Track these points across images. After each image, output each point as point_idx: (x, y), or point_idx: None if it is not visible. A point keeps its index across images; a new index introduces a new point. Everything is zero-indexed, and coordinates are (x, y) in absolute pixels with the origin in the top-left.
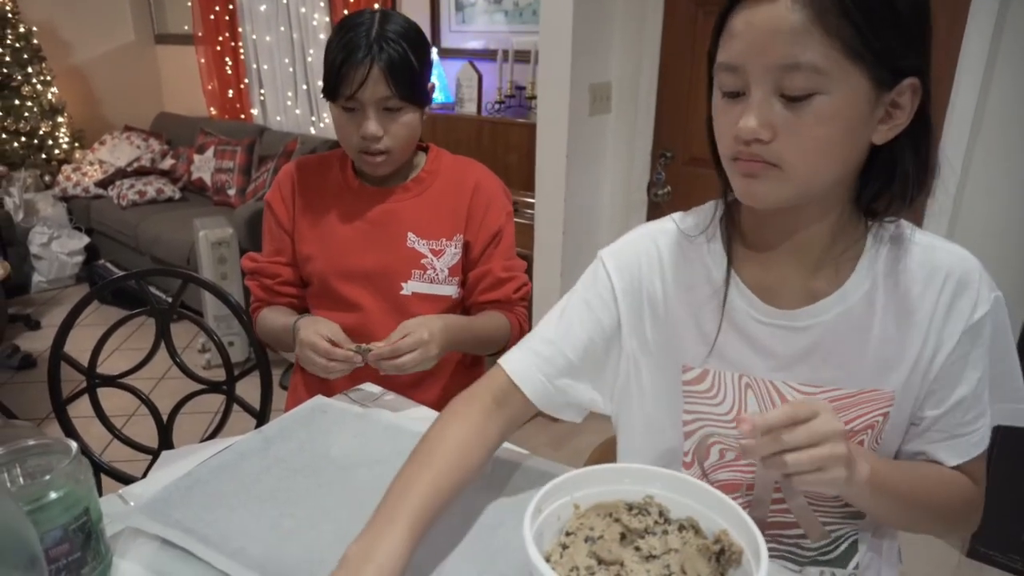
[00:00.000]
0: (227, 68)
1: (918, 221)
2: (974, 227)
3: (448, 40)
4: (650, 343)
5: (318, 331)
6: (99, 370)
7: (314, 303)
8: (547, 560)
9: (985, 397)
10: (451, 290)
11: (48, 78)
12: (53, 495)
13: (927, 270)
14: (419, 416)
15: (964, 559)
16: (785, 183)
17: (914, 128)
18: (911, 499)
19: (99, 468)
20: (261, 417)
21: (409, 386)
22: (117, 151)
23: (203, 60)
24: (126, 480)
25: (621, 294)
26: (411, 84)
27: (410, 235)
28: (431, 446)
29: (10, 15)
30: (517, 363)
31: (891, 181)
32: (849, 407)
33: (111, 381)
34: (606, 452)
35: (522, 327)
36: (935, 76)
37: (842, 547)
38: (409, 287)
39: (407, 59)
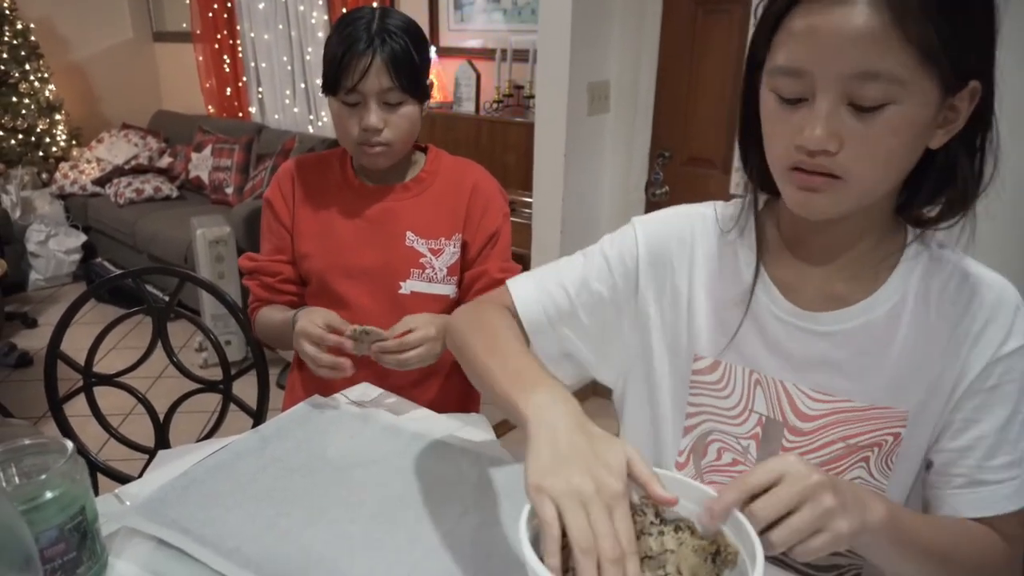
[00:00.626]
0: (225, 66)
1: None
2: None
3: (446, 39)
4: (666, 324)
5: (313, 319)
6: (96, 369)
7: (312, 302)
8: (543, 561)
9: (1021, 446)
10: (449, 289)
11: (46, 75)
12: (49, 495)
13: (960, 292)
14: (417, 417)
15: None
16: (846, 195)
17: (968, 132)
18: (934, 552)
19: (95, 467)
20: (258, 416)
21: (407, 386)
22: (115, 149)
23: (201, 58)
24: (122, 479)
25: (645, 264)
26: (412, 76)
27: (409, 234)
28: (494, 329)
29: (8, 12)
30: (525, 292)
31: (943, 187)
32: (858, 421)
33: (108, 380)
34: None
35: None
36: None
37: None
38: (408, 286)
39: (408, 51)
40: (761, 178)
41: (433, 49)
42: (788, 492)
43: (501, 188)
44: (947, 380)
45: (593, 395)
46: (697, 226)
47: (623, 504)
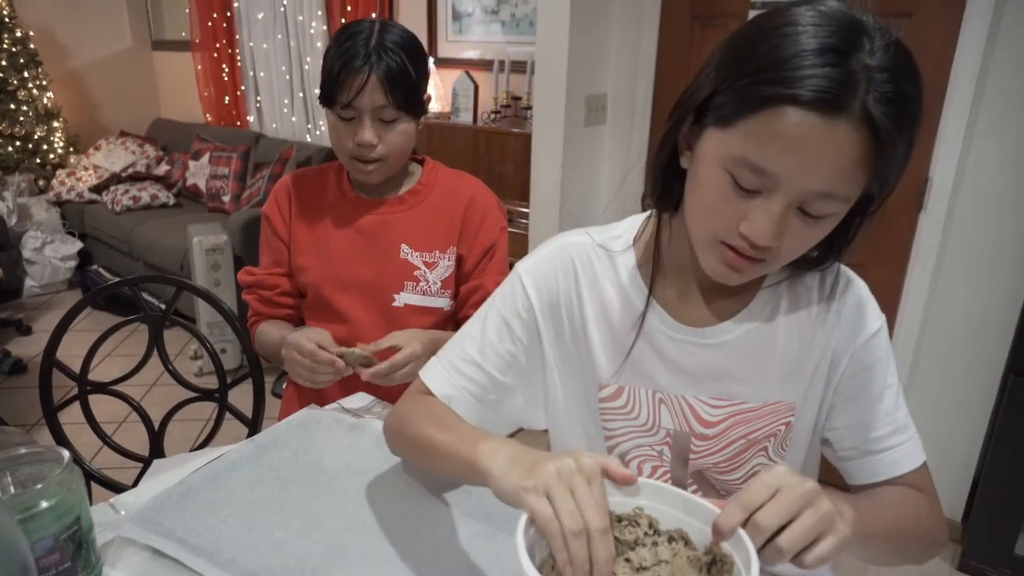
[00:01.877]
0: (224, 75)
1: (909, 233)
2: (967, 240)
3: (445, 50)
4: (570, 359)
5: (307, 335)
6: (91, 376)
7: (309, 315)
8: (539, 572)
9: (899, 415)
10: (443, 303)
11: (44, 82)
12: (44, 504)
13: (823, 288)
14: None
15: (955, 572)
16: (764, 270)
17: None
18: (891, 531)
19: (89, 476)
20: (253, 426)
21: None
22: (112, 156)
23: (200, 67)
24: (116, 488)
25: (540, 311)
26: (408, 94)
27: (404, 247)
28: (436, 412)
29: (7, 19)
30: (441, 379)
31: (830, 251)
32: (755, 419)
33: (103, 388)
34: None
35: None
36: (926, 84)
37: None
38: (401, 299)
39: (405, 69)
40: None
41: (431, 60)
42: (789, 499)
43: (499, 202)
44: (822, 368)
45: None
46: (576, 256)
47: (599, 478)
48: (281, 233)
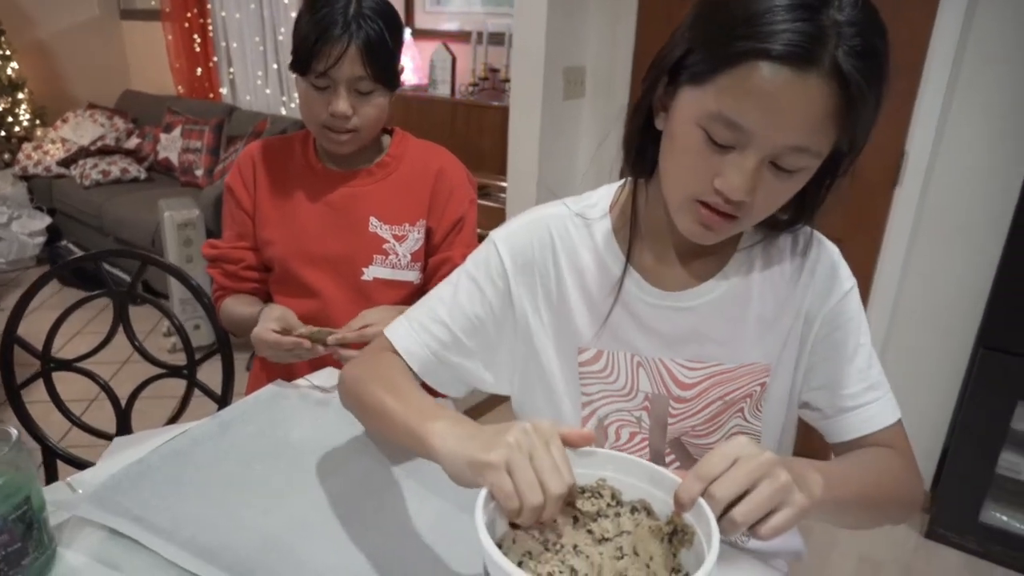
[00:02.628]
0: (195, 45)
1: (885, 208)
2: (941, 215)
3: (422, 21)
4: (546, 325)
5: (267, 324)
6: (62, 352)
7: (275, 289)
8: (500, 546)
9: (872, 373)
10: (413, 276)
11: (7, 52)
12: None
13: (795, 251)
14: None
15: (922, 540)
16: (735, 229)
17: (823, 166)
18: (865, 494)
19: (55, 455)
20: (223, 402)
21: None
22: (80, 129)
23: (170, 37)
24: (84, 467)
25: (513, 276)
26: (385, 65)
27: (372, 219)
28: (390, 376)
29: None
30: (405, 336)
31: (801, 211)
32: (730, 380)
33: (67, 365)
34: None
35: None
36: (903, 59)
37: None
38: (370, 272)
39: (383, 39)
40: (635, 166)
41: (408, 31)
42: (745, 470)
43: (468, 174)
44: (796, 329)
45: (501, 404)
46: (554, 227)
47: (557, 438)
48: (245, 205)
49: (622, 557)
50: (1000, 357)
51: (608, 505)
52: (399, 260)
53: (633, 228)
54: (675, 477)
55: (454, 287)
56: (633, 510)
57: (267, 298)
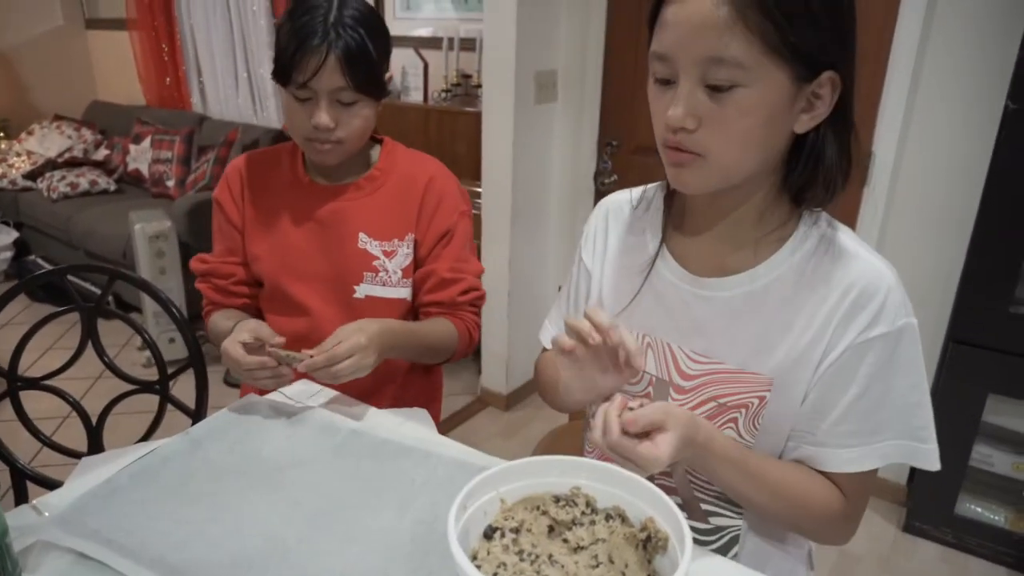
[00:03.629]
0: (164, 54)
1: (854, 208)
2: (909, 213)
3: (394, 27)
4: (582, 297)
5: (237, 336)
6: (31, 369)
7: (266, 306)
8: (474, 558)
9: (873, 422)
10: (405, 292)
11: None
12: None
13: (836, 274)
14: (355, 413)
15: (900, 534)
16: (709, 171)
17: (836, 119)
18: (777, 483)
19: (24, 476)
20: (196, 416)
21: (361, 395)
22: (46, 141)
23: (138, 46)
24: (55, 488)
25: (590, 261)
26: (368, 75)
27: (361, 235)
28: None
29: None
30: (546, 335)
31: (815, 168)
32: (728, 382)
33: (35, 384)
34: (556, 440)
35: (471, 334)
36: (867, 62)
37: (723, 540)
38: (362, 290)
39: (365, 48)
40: None
41: None
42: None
43: (459, 185)
44: (814, 355)
45: (531, 395)
46: (612, 208)
47: None
48: (234, 219)
49: (597, 565)
50: (969, 351)
51: (583, 513)
52: (389, 277)
53: (668, 207)
54: (648, 484)
55: (575, 266)
56: (608, 517)
57: (257, 314)
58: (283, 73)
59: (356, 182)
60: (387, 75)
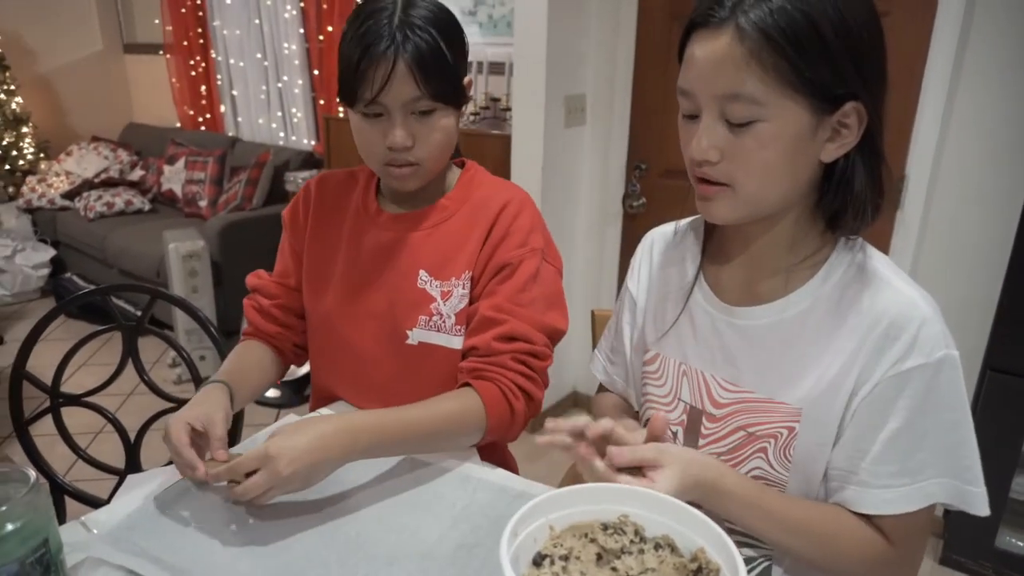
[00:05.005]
0: (198, 78)
1: (887, 232)
2: (942, 237)
3: None
4: (631, 327)
5: (184, 416)
6: (66, 386)
7: (313, 344)
8: None
9: (915, 460)
10: (459, 342)
11: (12, 87)
12: (10, 527)
13: (870, 305)
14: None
15: (937, 567)
16: (736, 202)
17: (864, 147)
18: (783, 520)
19: (63, 490)
20: (231, 435)
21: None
22: (84, 162)
23: (173, 69)
24: (92, 502)
25: (635, 290)
26: (444, 80)
27: (422, 273)
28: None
29: None
30: (596, 368)
31: (845, 196)
32: (757, 412)
33: (75, 400)
34: None
35: (510, 403)
36: (899, 85)
37: (754, 572)
38: (415, 335)
39: (438, 49)
40: None
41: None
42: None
43: (542, 222)
44: (846, 386)
45: (573, 407)
46: (657, 238)
47: None
48: (295, 242)
49: None
50: (1008, 379)
51: (631, 541)
52: (443, 322)
53: (708, 237)
54: (699, 513)
55: (620, 300)
56: (657, 546)
57: (290, 353)
58: (348, 90)
59: (423, 210)
60: (466, 79)
